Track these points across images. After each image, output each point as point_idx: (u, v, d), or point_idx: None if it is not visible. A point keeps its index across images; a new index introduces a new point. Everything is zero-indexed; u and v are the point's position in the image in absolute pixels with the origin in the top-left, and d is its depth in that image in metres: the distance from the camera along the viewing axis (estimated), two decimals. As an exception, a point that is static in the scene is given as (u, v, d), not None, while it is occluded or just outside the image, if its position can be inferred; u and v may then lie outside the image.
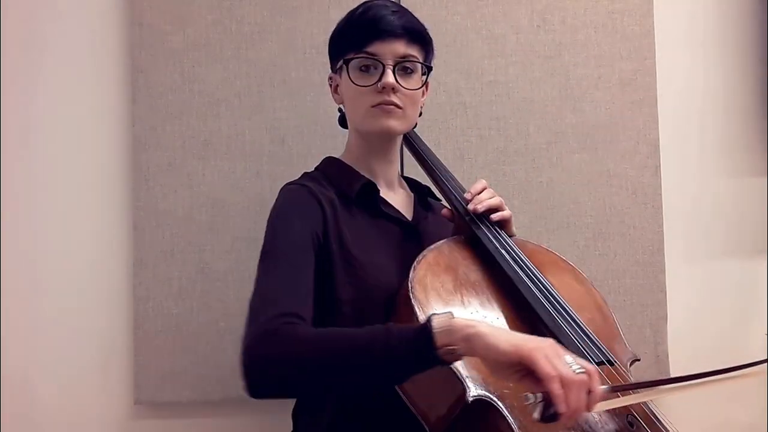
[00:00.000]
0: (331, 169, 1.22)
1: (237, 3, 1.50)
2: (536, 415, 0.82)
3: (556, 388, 0.80)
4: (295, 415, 1.19)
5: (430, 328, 0.86)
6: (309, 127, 1.50)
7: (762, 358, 0.90)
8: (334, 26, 1.20)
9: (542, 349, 0.83)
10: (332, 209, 1.12)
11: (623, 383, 0.97)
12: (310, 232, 1.07)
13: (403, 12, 1.15)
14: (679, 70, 1.63)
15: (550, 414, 0.81)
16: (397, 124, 1.14)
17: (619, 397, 0.89)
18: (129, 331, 1.46)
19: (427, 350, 0.86)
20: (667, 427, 0.98)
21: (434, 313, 0.89)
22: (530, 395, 0.83)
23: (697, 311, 1.60)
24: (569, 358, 0.84)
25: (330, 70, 1.23)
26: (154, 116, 1.47)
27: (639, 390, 0.93)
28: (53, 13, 1.49)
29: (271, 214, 1.12)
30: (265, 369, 0.92)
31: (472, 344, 0.85)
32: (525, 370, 0.83)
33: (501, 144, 1.54)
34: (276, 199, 1.15)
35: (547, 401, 0.81)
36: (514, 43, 1.56)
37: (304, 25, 1.51)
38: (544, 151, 1.55)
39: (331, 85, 1.23)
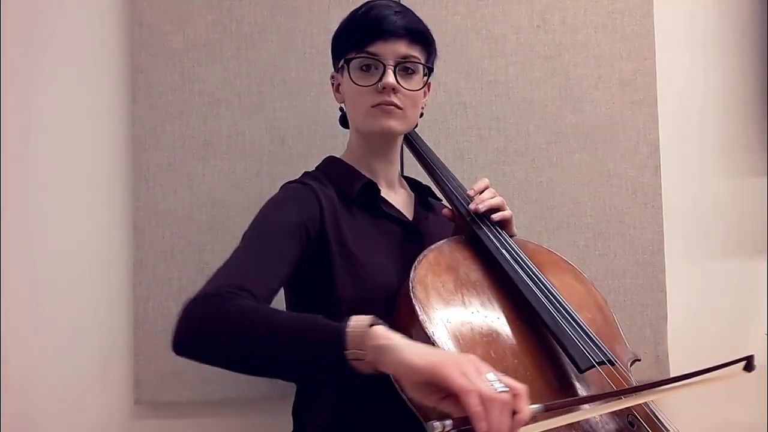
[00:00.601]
0: (331, 168, 1.22)
1: (237, 3, 1.50)
2: None
3: (473, 404, 0.72)
4: (295, 413, 1.19)
5: (344, 328, 0.82)
6: (309, 127, 1.50)
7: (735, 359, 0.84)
8: (334, 26, 1.20)
9: (459, 365, 0.76)
10: (332, 208, 1.12)
11: (560, 401, 0.88)
12: (297, 222, 1.06)
13: (406, 12, 1.15)
14: (679, 70, 1.63)
15: None
16: (396, 125, 1.14)
17: (553, 416, 0.81)
18: (129, 331, 1.46)
19: (335, 349, 0.81)
20: (668, 427, 0.98)
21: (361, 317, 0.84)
22: (437, 423, 0.72)
23: (697, 311, 1.60)
24: (492, 375, 0.77)
25: (332, 69, 1.23)
26: (154, 116, 1.47)
27: (576, 407, 0.86)
28: (53, 12, 1.49)
29: (265, 203, 1.12)
30: (190, 326, 0.91)
31: (382, 356, 0.80)
32: (444, 391, 0.76)
33: (501, 144, 1.54)
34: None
35: (462, 425, 0.71)
36: (514, 43, 1.56)
37: (304, 25, 1.51)
38: (544, 151, 1.55)
39: (332, 84, 1.23)
